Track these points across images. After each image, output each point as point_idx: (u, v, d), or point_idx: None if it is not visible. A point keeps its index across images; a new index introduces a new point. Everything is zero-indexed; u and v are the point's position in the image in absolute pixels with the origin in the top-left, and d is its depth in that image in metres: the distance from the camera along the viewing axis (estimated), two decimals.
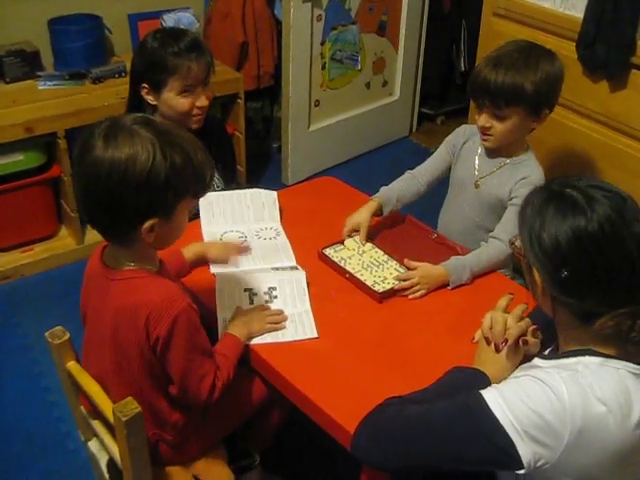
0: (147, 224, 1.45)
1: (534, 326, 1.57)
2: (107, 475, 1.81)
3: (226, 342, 1.70)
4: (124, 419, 1.45)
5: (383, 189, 2.27)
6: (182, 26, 3.48)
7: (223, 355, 1.65)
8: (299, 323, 1.81)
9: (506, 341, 1.53)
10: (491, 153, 2.20)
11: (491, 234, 2.12)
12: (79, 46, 3.35)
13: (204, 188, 1.55)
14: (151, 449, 1.66)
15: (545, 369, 1.31)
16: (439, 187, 2.40)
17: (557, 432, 1.22)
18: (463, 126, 2.35)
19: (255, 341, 1.76)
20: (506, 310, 1.60)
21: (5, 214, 3.17)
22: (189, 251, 1.97)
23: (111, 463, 1.77)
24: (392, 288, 1.93)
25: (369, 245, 2.13)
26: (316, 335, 1.78)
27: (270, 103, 4.33)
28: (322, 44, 3.89)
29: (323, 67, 3.97)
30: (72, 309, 2.91)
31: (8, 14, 3.36)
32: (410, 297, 1.93)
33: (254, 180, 4.00)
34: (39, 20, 3.37)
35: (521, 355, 1.55)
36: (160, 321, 1.49)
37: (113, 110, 3.07)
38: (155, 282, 1.54)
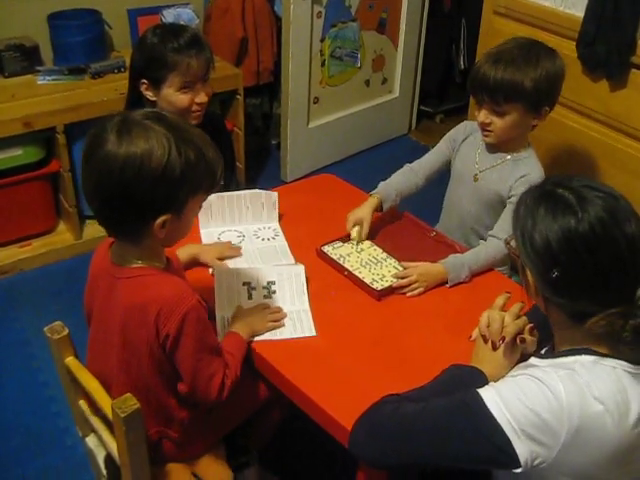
0: (160, 220, 1.45)
1: (531, 324, 1.57)
2: (105, 471, 1.81)
3: (231, 341, 1.70)
4: (123, 415, 1.44)
5: (382, 184, 2.27)
6: (182, 22, 3.47)
7: (230, 354, 1.65)
8: (297, 321, 1.81)
9: (503, 339, 1.53)
10: (492, 148, 2.20)
11: (490, 232, 2.13)
12: (78, 41, 3.35)
13: (215, 184, 1.55)
14: (154, 446, 1.67)
15: (542, 368, 1.31)
16: (440, 186, 2.40)
17: (554, 431, 1.22)
18: (464, 122, 2.36)
19: (253, 338, 1.76)
20: (503, 308, 1.61)
21: (3, 209, 3.16)
22: (184, 252, 1.96)
23: (109, 459, 1.77)
24: (390, 286, 1.93)
25: (368, 243, 2.13)
26: (314, 334, 1.78)
27: (269, 100, 4.32)
28: (322, 41, 3.89)
29: (323, 64, 3.96)
30: (70, 304, 2.94)
31: (8, 9, 3.35)
32: (408, 295, 1.94)
33: (253, 176, 4.01)
34: (39, 15, 3.37)
35: (518, 353, 1.55)
36: (170, 318, 1.49)
37: (112, 105, 3.07)
38: (165, 279, 1.54)
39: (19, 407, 2.59)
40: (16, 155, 3.08)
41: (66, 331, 1.65)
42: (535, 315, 1.56)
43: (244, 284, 1.91)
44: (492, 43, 2.34)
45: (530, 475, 1.28)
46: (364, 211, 2.16)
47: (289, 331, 1.79)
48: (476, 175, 2.23)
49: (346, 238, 2.13)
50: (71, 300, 2.98)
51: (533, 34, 2.71)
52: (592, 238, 1.24)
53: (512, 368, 1.50)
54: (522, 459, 1.23)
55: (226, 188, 2.47)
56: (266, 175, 4.11)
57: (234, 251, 2.08)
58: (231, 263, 2.03)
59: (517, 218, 1.35)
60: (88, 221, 3.42)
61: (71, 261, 3.33)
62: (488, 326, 1.56)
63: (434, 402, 1.35)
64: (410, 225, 2.26)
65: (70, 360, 1.67)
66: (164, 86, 2.19)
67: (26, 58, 3.29)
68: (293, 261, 2.05)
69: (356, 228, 2.13)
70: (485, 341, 1.56)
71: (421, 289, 1.94)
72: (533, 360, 1.39)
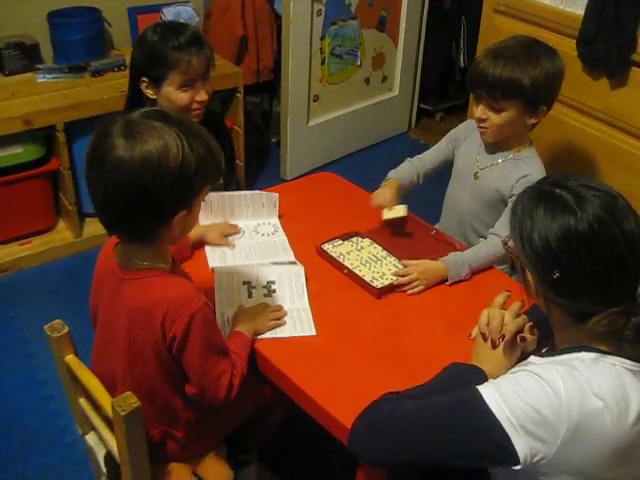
0: (178, 217, 1.45)
1: (531, 323, 1.57)
2: (104, 469, 1.81)
3: (236, 340, 1.69)
4: (123, 413, 1.44)
5: (394, 172, 2.31)
6: (182, 20, 3.47)
7: (236, 353, 1.65)
8: (297, 319, 1.82)
9: (503, 337, 1.53)
10: (492, 147, 2.21)
11: (490, 230, 2.13)
12: (78, 39, 3.35)
13: (220, 175, 1.55)
14: (157, 445, 1.67)
15: (542, 365, 1.31)
16: (440, 185, 2.40)
17: (553, 426, 1.22)
18: (467, 121, 2.36)
19: (255, 338, 1.76)
20: (503, 307, 1.61)
21: (3, 207, 3.16)
22: (192, 233, 1.97)
23: (109, 457, 1.77)
24: (391, 284, 1.93)
25: (368, 241, 2.13)
26: (314, 333, 1.78)
27: (269, 98, 4.32)
28: (322, 39, 3.89)
29: (323, 62, 3.96)
30: (70, 302, 2.96)
31: (8, 7, 3.35)
32: (409, 293, 1.94)
33: (253, 175, 4.01)
34: (39, 13, 3.37)
35: (518, 352, 1.55)
36: (177, 320, 1.48)
37: (112, 103, 3.07)
38: (171, 281, 1.53)
39: (18, 405, 2.59)
40: (16, 153, 3.08)
41: (66, 329, 1.65)
42: (535, 314, 1.56)
43: (244, 283, 1.91)
44: (492, 41, 2.34)
45: (529, 474, 1.28)
46: (391, 192, 2.19)
47: (289, 329, 1.79)
48: (476, 173, 2.23)
49: (346, 236, 2.13)
50: (71, 298, 3.01)
51: (533, 32, 2.71)
52: (592, 237, 1.24)
53: (512, 366, 1.50)
54: (521, 455, 1.23)
55: (226, 187, 2.48)
56: (266, 173, 4.11)
57: (234, 228, 2.15)
58: (231, 258, 2.04)
59: (515, 219, 1.35)
60: (88, 219, 3.42)
61: (71, 259, 3.33)
62: (488, 324, 1.56)
63: (433, 399, 1.35)
64: (410, 223, 2.25)
65: (70, 358, 1.67)
66: (164, 84, 2.19)
67: (26, 56, 3.29)
68: (293, 256, 2.06)
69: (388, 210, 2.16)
70: (485, 339, 1.56)
71: (421, 287, 1.94)
72: (532, 359, 1.38)
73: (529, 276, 1.34)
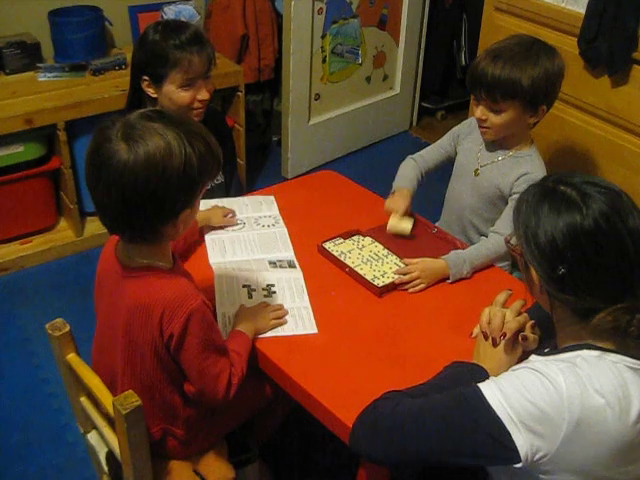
0: (183, 215, 1.46)
1: (532, 321, 1.57)
2: (106, 467, 1.81)
3: (236, 339, 1.69)
4: (124, 412, 1.45)
5: (402, 179, 2.29)
6: (183, 18, 3.47)
7: (236, 352, 1.65)
8: (299, 318, 1.81)
9: (504, 335, 1.53)
10: (493, 144, 2.21)
11: (491, 229, 2.13)
12: (79, 38, 3.35)
13: (220, 170, 1.56)
14: (158, 443, 1.67)
15: (543, 362, 1.31)
16: (442, 183, 2.40)
17: (554, 422, 1.22)
18: (470, 118, 2.36)
19: (257, 336, 1.76)
20: (504, 305, 1.61)
21: (4, 206, 3.16)
22: (197, 216, 1.99)
23: (110, 455, 1.77)
24: (392, 282, 1.93)
25: (369, 239, 2.13)
26: (316, 331, 1.78)
27: (270, 96, 4.32)
28: (323, 37, 3.88)
29: (324, 60, 3.96)
30: (70, 301, 2.96)
31: (9, 6, 3.35)
32: (410, 291, 1.94)
33: (254, 173, 4.01)
34: (39, 12, 3.37)
35: (520, 350, 1.55)
36: (174, 318, 1.49)
37: (113, 102, 3.07)
38: (169, 280, 1.53)
39: (20, 404, 2.59)
40: (17, 152, 3.08)
41: (67, 328, 1.65)
42: (536, 313, 1.56)
43: (244, 286, 1.91)
44: (493, 39, 2.34)
45: (529, 472, 1.28)
46: (404, 203, 2.17)
47: (291, 328, 1.79)
48: (477, 170, 2.24)
49: (347, 234, 2.13)
50: (72, 297, 3.01)
51: (534, 30, 2.71)
52: (597, 233, 1.24)
53: (514, 365, 1.50)
54: (522, 452, 1.23)
55: (227, 186, 2.49)
56: (267, 172, 4.11)
57: (232, 209, 2.21)
58: (231, 252, 2.06)
59: (519, 216, 1.35)
60: (89, 218, 3.42)
61: (72, 258, 3.33)
62: (489, 323, 1.56)
63: (434, 398, 1.36)
64: None
65: (71, 357, 1.67)
66: (165, 83, 2.19)
67: (27, 55, 3.29)
68: (292, 251, 2.07)
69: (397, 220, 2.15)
70: (486, 338, 1.56)
71: (422, 285, 1.94)
72: (533, 357, 1.38)
73: (533, 273, 1.34)
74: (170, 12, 3.59)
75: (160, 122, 1.41)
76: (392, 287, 1.93)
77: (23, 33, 3.35)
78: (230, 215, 2.19)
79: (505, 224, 2.07)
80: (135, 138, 1.38)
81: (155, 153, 1.37)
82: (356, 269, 1.99)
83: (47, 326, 1.65)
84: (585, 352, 1.30)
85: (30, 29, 3.39)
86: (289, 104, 3.86)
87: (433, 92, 4.84)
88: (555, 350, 1.37)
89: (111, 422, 1.61)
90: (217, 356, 1.57)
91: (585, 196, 1.27)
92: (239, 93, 3.58)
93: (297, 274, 1.97)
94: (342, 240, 2.12)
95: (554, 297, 1.32)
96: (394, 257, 2.05)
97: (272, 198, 2.30)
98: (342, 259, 2.03)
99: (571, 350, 1.32)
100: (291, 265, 2.01)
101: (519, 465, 1.25)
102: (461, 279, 1.99)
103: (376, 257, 2.05)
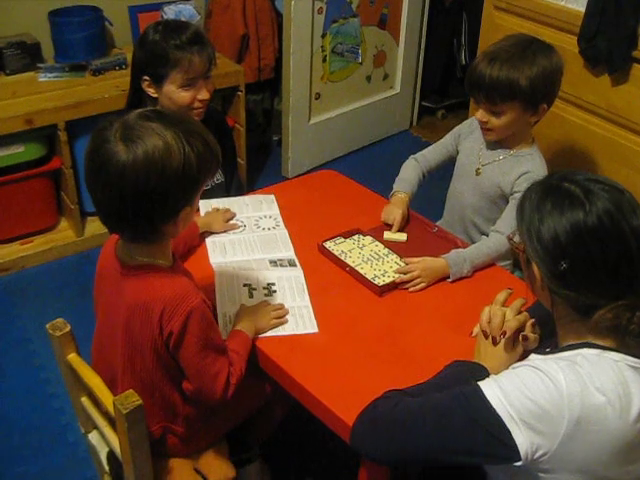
0: (183, 214, 1.47)
1: (532, 320, 1.57)
2: (107, 467, 1.81)
3: (236, 339, 1.69)
4: (125, 412, 1.45)
5: (402, 182, 2.29)
6: (183, 18, 3.47)
7: (235, 352, 1.65)
8: (299, 317, 1.81)
9: (504, 333, 1.53)
10: (494, 144, 2.21)
11: (492, 227, 2.13)
12: (79, 38, 3.35)
13: (218, 167, 1.56)
14: (158, 441, 1.67)
15: (543, 359, 1.31)
16: (443, 182, 2.40)
17: (554, 420, 1.22)
18: (471, 117, 2.36)
19: (257, 336, 1.76)
20: (504, 304, 1.60)
21: (5, 206, 3.17)
22: (198, 221, 2.04)
23: (111, 455, 1.77)
24: (392, 281, 1.93)
25: (369, 238, 2.13)
26: (316, 330, 1.78)
27: (271, 96, 4.32)
28: (323, 37, 3.89)
29: (324, 60, 3.96)
30: (71, 301, 2.96)
31: (9, 6, 3.35)
32: (410, 290, 1.93)
33: (254, 173, 4.01)
34: (40, 12, 3.37)
35: (520, 348, 1.55)
36: (174, 316, 1.49)
37: (113, 102, 3.07)
38: (169, 278, 1.54)
39: (21, 404, 2.59)
40: (18, 152, 3.08)
41: (68, 328, 1.65)
42: (537, 311, 1.56)
43: (244, 285, 1.91)
44: (493, 38, 2.34)
45: (529, 471, 1.28)
46: (399, 212, 2.18)
47: (291, 327, 1.79)
48: (478, 169, 2.24)
49: (348, 234, 2.13)
50: (73, 297, 3.01)
51: (534, 29, 2.71)
52: (600, 230, 1.25)
53: (514, 363, 1.50)
54: (522, 451, 1.23)
55: (228, 185, 2.49)
56: (267, 171, 4.11)
57: (231, 213, 2.21)
58: (231, 252, 2.05)
59: (522, 213, 1.35)
60: (90, 218, 3.42)
61: (73, 258, 3.33)
62: (489, 322, 1.56)
63: (434, 396, 1.35)
64: (412, 221, 2.25)
65: (72, 357, 1.67)
66: (166, 83, 2.19)
67: (27, 55, 3.29)
68: (292, 251, 2.07)
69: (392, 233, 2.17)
70: (486, 337, 1.56)
71: (423, 284, 1.94)
72: (534, 356, 1.38)
73: (535, 269, 1.34)
74: (170, 12, 3.59)
75: (158, 122, 1.42)
76: (393, 286, 1.93)
77: (23, 33, 3.35)
78: (231, 220, 2.19)
79: (506, 223, 2.07)
80: (133, 138, 1.38)
81: (154, 153, 1.37)
82: (357, 268, 1.99)
83: (48, 326, 1.65)
84: (585, 350, 1.29)
85: (30, 29, 3.39)
86: (289, 103, 3.86)
87: (433, 91, 4.84)
88: (556, 349, 1.37)
89: (112, 422, 1.61)
90: (216, 355, 1.57)
91: (589, 193, 1.27)
92: (239, 93, 3.58)
93: (298, 272, 1.97)
94: (343, 239, 2.12)
95: (555, 293, 1.33)
96: (395, 256, 2.05)
97: (272, 198, 2.31)
98: (343, 258, 2.03)
99: (571, 349, 1.32)
100: (291, 263, 2.01)
101: (519, 464, 1.24)
102: (462, 278, 1.99)
103: (377, 256, 2.05)
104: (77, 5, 3.44)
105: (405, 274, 1.95)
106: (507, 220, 2.07)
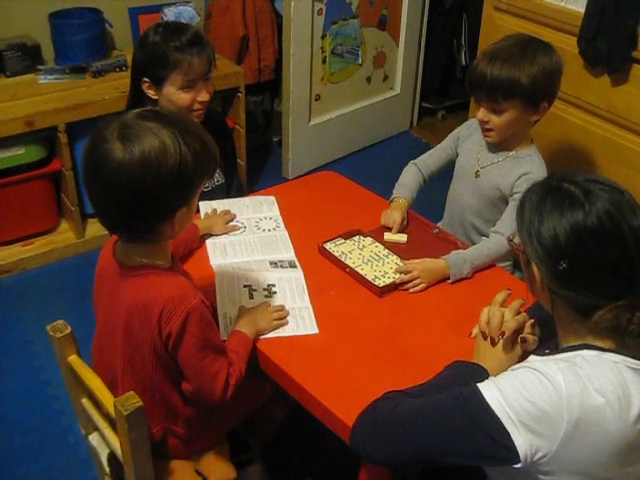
0: (179, 214, 1.47)
1: (532, 320, 1.57)
2: (108, 469, 1.81)
3: (236, 339, 1.70)
4: (125, 413, 1.45)
5: (401, 187, 2.30)
6: (183, 20, 3.47)
7: (235, 352, 1.65)
8: (300, 318, 1.82)
9: (503, 334, 1.53)
10: (494, 146, 2.21)
11: (492, 229, 2.13)
12: (80, 40, 3.35)
13: (216, 168, 1.57)
14: (159, 443, 1.67)
15: (542, 361, 1.31)
16: (443, 184, 2.41)
17: (553, 421, 1.21)
18: (470, 120, 2.37)
19: (258, 337, 1.76)
20: (503, 305, 1.60)
21: (6, 208, 3.17)
22: (199, 224, 2.06)
23: (112, 457, 1.78)
24: (393, 282, 1.93)
25: (369, 240, 2.13)
26: (317, 331, 1.78)
27: (271, 97, 4.32)
28: (323, 38, 3.89)
29: (324, 61, 3.96)
30: (72, 303, 2.96)
31: (9, 8, 3.35)
32: (411, 291, 1.94)
33: (255, 174, 4.01)
34: (40, 14, 3.37)
35: (519, 349, 1.55)
36: (172, 317, 1.49)
37: (113, 104, 3.07)
38: (168, 279, 1.54)
39: (22, 406, 2.59)
40: (18, 154, 3.08)
41: (68, 329, 1.65)
42: (536, 312, 1.56)
43: (245, 286, 1.91)
44: (493, 39, 2.34)
45: (529, 473, 1.27)
46: (398, 215, 2.19)
47: (291, 328, 1.79)
48: (478, 171, 2.24)
49: (348, 235, 2.14)
50: (73, 299, 3.01)
51: (534, 30, 2.71)
52: (600, 231, 1.25)
53: (513, 364, 1.50)
54: (521, 452, 1.23)
55: (228, 187, 2.49)
56: (267, 173, 4.11)
57: (231, 215, 2.21)
58: (231, 254, 2.05)
59: (522, 214, 1.35)
60: (90, 220, 3.43)
61: (73, 260, 3.33)
62: (488, 322, 1.56)
63: (434, 397, 1.36)
64: (412, 222, 2.26)
65: (73, 359, 1.67)
66: (166, 85, 2.19)
67: (27, 57, 3.29)
68: (293, 252, 2.07)
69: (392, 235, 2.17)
70: (485, 337, 1.56)
71: (423, 285, 1.94)
72: (533, 358, 1.38)
73: (535, 270, 1.34)
74: (170, 14, 3.59)
75: (155, 121, 1.42)
76: (393, 287, 1.93)
77: (23, 35, 3.35)
78: (231, 222, 2.19)
79: (506, 224, 2.07)
80: (130, 138, 1.39)
81: (150, 152, 1.38)
82: (357, 269, 1.99)
83: (48, 328, 1.65)
84: (585, 352, 1.30)
85: (30, 31, 3.39)
86: (289, 105, 3.86)
87: (433, 92, 4.85)
88: (555, 350, 1.37)
89: (112, 423, 1.61)
90: (215, 355, 1.58)
91: (588, 194, 1.27)
92: (239, 94, 3.59)
93: (298, 274, 1.97)
94: (343, 240, 2.12)
95: (555, 294, 1.33)
96: (395, 257, 2.05)
97: (273, 199, 2.31)
98: (343, 259, 2.03)
99: (571, 350, 1.32)
100: (292, 265, 2.01)
101: (519, 465, 1.24)
102: (462, 279, 1.99)
103: (377, 257, 2.05)
104: (77, 7, 3.44)
105: (405, 273, 1.95)
106: (507, 221, 2.08)
